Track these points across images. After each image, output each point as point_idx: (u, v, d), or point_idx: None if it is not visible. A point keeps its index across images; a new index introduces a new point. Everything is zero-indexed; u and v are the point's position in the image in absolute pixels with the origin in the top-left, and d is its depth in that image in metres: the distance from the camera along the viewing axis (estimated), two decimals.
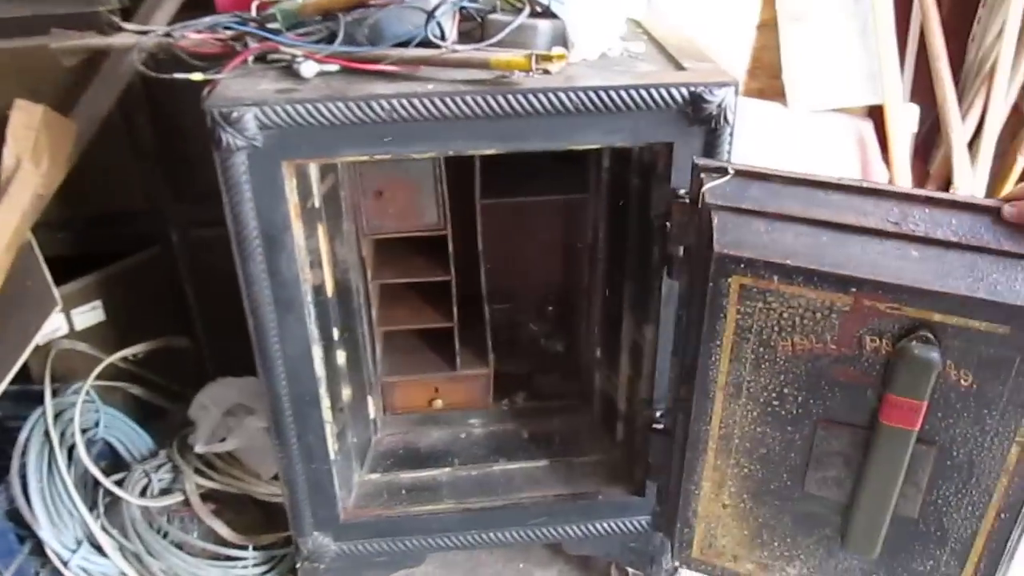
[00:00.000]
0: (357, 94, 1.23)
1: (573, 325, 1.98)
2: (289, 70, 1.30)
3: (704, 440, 1.18)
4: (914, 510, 1.11)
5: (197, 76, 1.28)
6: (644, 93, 1.26)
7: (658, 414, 1.39)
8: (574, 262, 1.92)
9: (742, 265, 1.05)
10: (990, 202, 1.02)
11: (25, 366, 1.77)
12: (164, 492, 1.96)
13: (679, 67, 1.34)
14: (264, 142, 1.23)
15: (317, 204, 1.44)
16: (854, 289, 1.03)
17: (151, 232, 2.09)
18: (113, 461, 2.03)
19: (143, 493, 1.92)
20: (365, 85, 1.26)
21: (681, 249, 1.23)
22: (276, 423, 1.44)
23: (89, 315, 2.02)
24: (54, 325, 1.97)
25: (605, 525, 1.60)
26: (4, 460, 1.83)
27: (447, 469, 1.70)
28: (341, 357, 1.57)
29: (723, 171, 1.12)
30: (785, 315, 1.06)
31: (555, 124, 1.27)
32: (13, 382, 1.68)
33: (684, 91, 1.25)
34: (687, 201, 1.18)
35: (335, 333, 1.52)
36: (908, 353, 1.00)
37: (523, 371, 1.96)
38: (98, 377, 2.02)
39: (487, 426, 1.83)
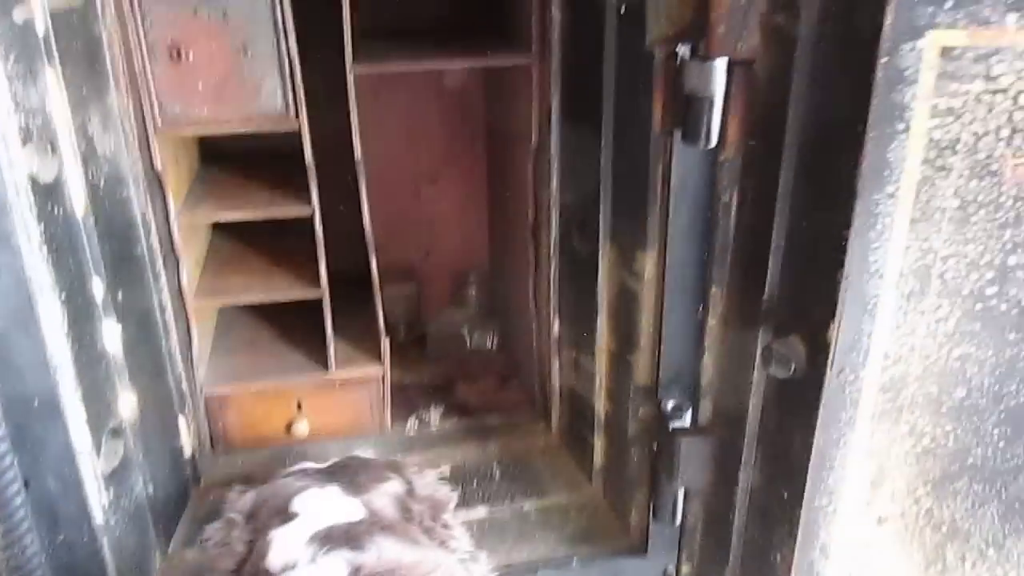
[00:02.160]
0: None
1: (512, 291, 1.43)
2: None
3: (854, 400, 0.69)
4: None
5: None
6: None
7: (670, 405, 0.97)
8: (508, 171, 1.35)
9: (947, 5, 0.57)
10: None
11: None
12: None
13: None
14: None
15: (40, 25, 0.78)
16: None
17: None
18: None
19: None
20: None
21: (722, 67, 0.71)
22: None
23: None
24: None
25: None
26: None
27: None
28: (111, 334, 0.96)
29: None
30: None
31: None
32: None
33: None
34: None
35: (96, 286, 0.92)
36: None
37: (437, 375, 1.39)
38: None
39: None
